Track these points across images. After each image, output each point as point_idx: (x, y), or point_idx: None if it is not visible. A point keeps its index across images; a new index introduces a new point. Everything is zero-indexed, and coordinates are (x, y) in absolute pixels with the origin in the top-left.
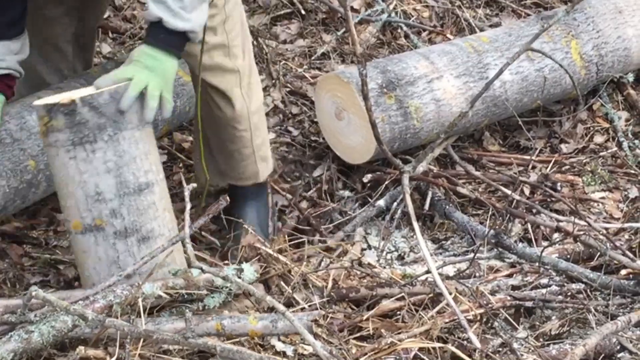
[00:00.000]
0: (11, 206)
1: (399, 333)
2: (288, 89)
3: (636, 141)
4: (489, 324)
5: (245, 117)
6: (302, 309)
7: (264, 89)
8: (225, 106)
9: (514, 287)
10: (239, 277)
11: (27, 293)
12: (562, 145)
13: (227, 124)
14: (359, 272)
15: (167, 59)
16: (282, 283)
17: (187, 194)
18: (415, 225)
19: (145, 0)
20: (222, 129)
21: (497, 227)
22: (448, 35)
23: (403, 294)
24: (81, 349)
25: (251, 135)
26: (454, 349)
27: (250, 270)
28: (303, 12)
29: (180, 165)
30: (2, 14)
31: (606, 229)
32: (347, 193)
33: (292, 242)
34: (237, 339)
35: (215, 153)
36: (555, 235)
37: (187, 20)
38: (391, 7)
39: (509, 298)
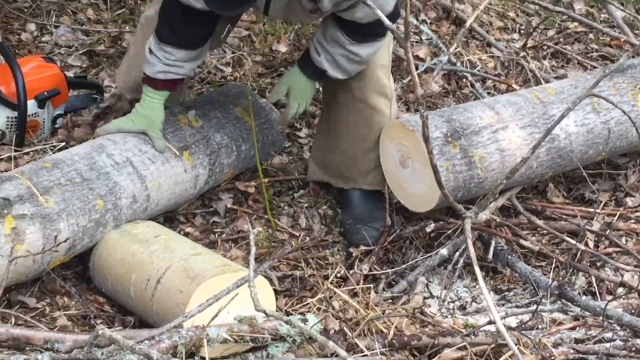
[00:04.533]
0: (79, 244)
1: None
2: None
3: None
4: None
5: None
6: (364, 356)
7: None
8: (374, 122)
9: (577, 341)
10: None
11: (94, 331)
12: (628, 199)
13: (371, 138)
14: (421, 320)
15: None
16: (345, 328)
17: (252, 237)
18: (478, 271)
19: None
20: (362, 141)
21: (560, 278)
22: (513, 85)
23: (465, 343)
24: None
25: None
26: None
27: (314, 321)
28: None
29: (245, 207)
30: (197, 33)
31: None
32: (413, 255)
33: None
34: None
35: (341, 162)
36: (620, 290)
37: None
38: (457, 56)
39: (572, 351)
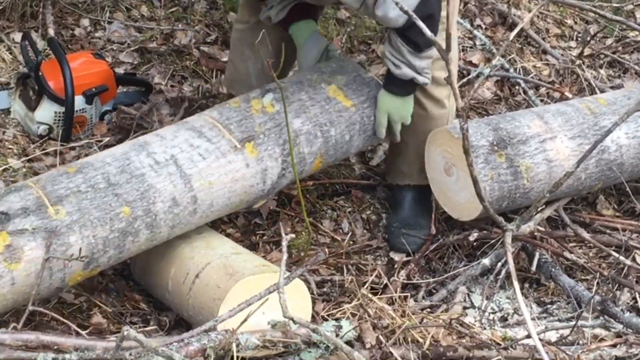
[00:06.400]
0: (103, 257)
1: None
2: None
3: None
4: None
5: (446, 122)
6: None
7: None
8: (433, 112)
9: (617, 358)
10: (337, 335)
11: (120, 333)
12: None
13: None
14: (458, 331)
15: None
16: (380, 336)
17: (284, 244)
18: (516, 285)
19: (397, 64)
20: (422, 134)
21: (603, 293)
22: (566, 93)
23: (501, 357)
24: None
25: None
26: None
27: (348, 328)
28: None
29: (288, 210)
30: None
31: None
32: (455, 264)
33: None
34: None
35: (405, 156)
36: None
37: (427, 77)
38: (511, 63)
39: None
